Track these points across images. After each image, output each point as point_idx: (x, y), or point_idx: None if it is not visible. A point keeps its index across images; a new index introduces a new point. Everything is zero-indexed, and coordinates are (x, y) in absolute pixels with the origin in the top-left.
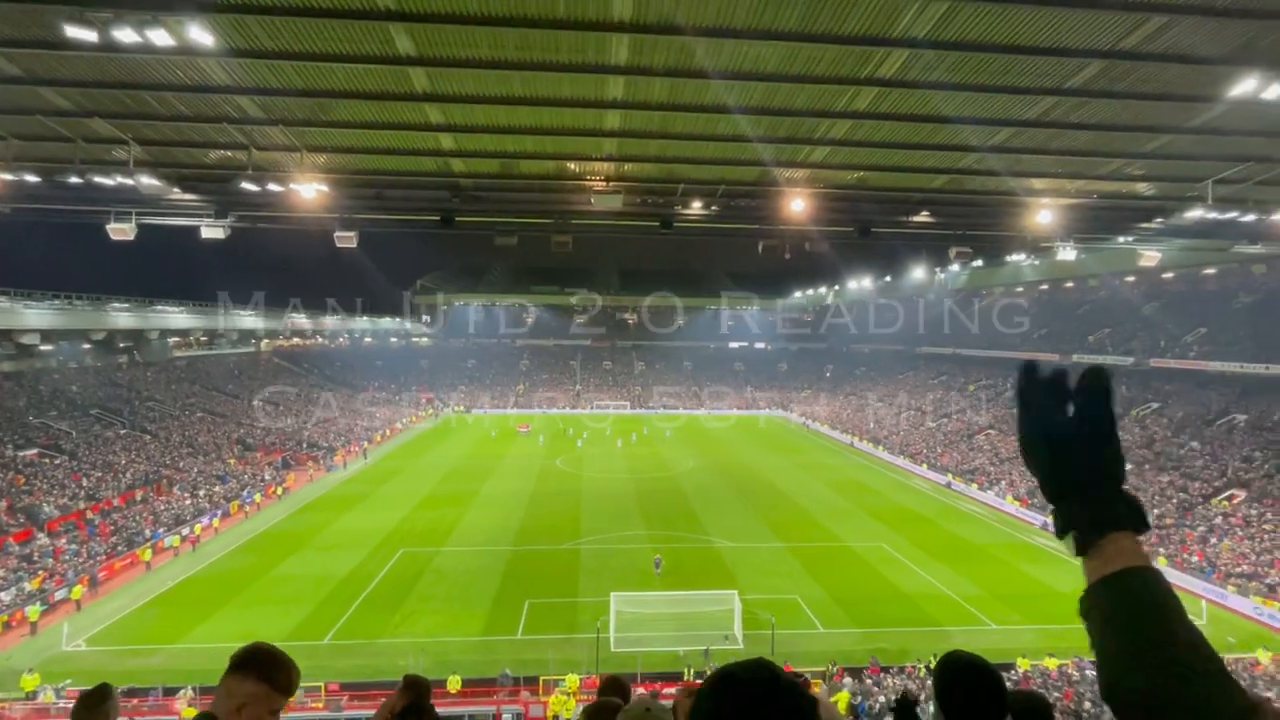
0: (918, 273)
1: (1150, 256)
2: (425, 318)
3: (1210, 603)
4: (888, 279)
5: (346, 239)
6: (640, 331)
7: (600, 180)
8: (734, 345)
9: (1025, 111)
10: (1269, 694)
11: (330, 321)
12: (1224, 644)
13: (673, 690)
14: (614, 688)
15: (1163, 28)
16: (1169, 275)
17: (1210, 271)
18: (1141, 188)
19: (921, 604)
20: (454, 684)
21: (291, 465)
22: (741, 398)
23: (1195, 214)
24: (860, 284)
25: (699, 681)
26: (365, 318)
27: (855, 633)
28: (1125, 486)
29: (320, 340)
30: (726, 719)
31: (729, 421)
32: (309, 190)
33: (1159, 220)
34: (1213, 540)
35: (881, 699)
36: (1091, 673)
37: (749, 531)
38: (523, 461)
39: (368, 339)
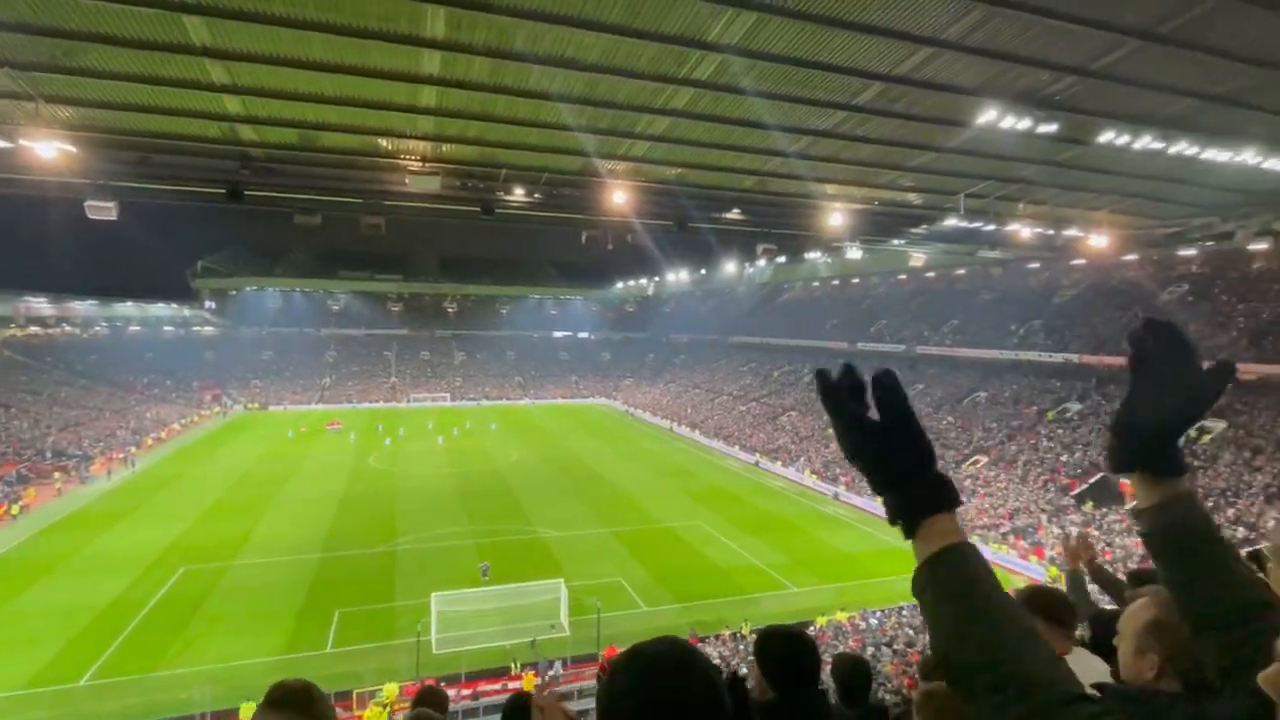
0: (730, 267)
1: (918, 258)
2: (210, 304)
3: None
4: (703, 272)
5: (102, 209)
6: (461, 320)
7: (416, 160)
8: (558, 335)
9: (821, 122)
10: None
11: (82, 307)
12: None
13: (497, 686)
14: (431, 698)
15: (928, 59)
16: (931, 275)
17: (961, 272)
18: (912, 197)
19: (734, 576)
20: (246, 712)
21: (31, 479)
22: (566, 387)
23: (951, 222)
24: (678, 276)
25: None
26: (130, 303)
27: (676, 608)
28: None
29: (69, 330)
30: (639, 692)
31: (554, 411)
32: (47, 149)
33: (924, 226)
34: (963, 500)
35: None
36: (874, 620)
37: (575, 519)
38: (330, 461)
39: (134, 327)
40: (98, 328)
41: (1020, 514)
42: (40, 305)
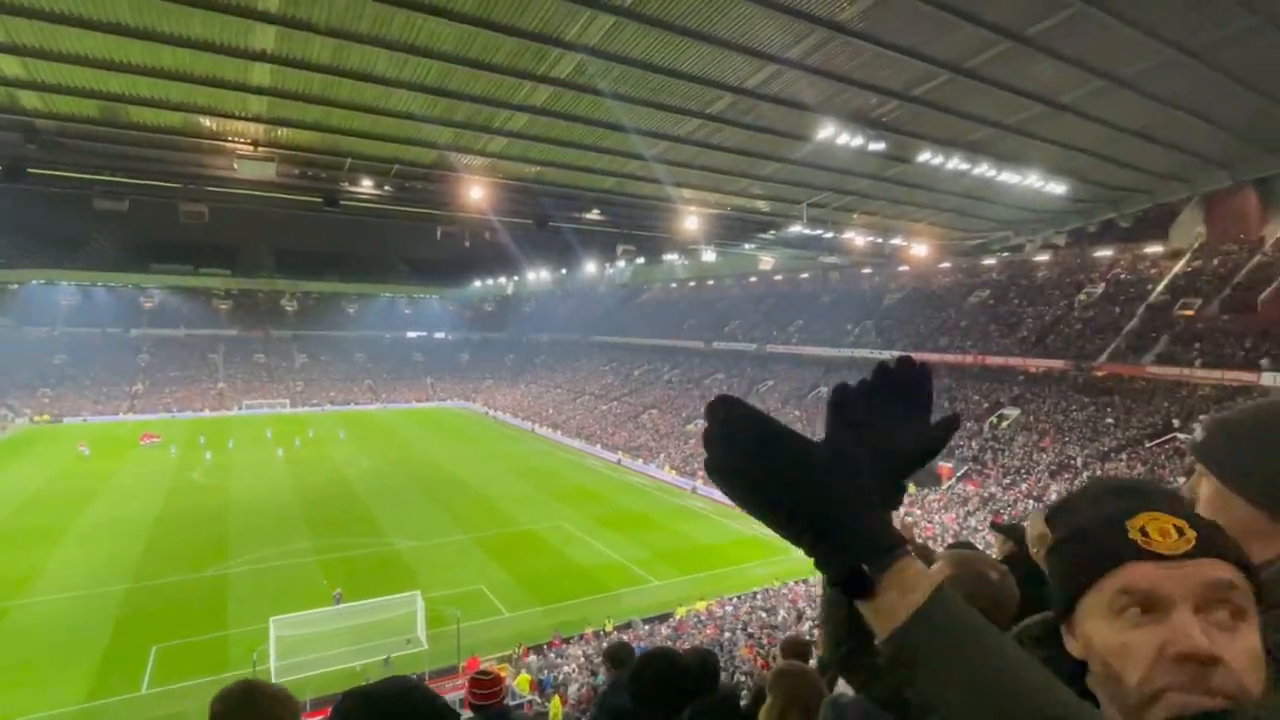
0: (590, 266)
1: (766, 261)
2: None
3: None
4: (564, 271)
5: None
6: (302, 320)
7: (246, 143)
8: (412, 335)
9: (677, 128)
10: None
11: None
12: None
13: None
14: None
15: (774, 75)
16: (779, 278)
17: (805, 276)
18: (760, 204)
19: (597, 574)
20: None
21: None
22: (422, 390)
23: (795, 229)
24: (539, 275)
25: None
26: None
27: (539, 610)
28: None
29: None
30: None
31: (408, 415)
32: None
33: (772, 232)
34: None
35: (566, 668)
36: (730, 607)
37: (431, 527)
38: (143, 479)
39: None
40: None
41: None
42: None
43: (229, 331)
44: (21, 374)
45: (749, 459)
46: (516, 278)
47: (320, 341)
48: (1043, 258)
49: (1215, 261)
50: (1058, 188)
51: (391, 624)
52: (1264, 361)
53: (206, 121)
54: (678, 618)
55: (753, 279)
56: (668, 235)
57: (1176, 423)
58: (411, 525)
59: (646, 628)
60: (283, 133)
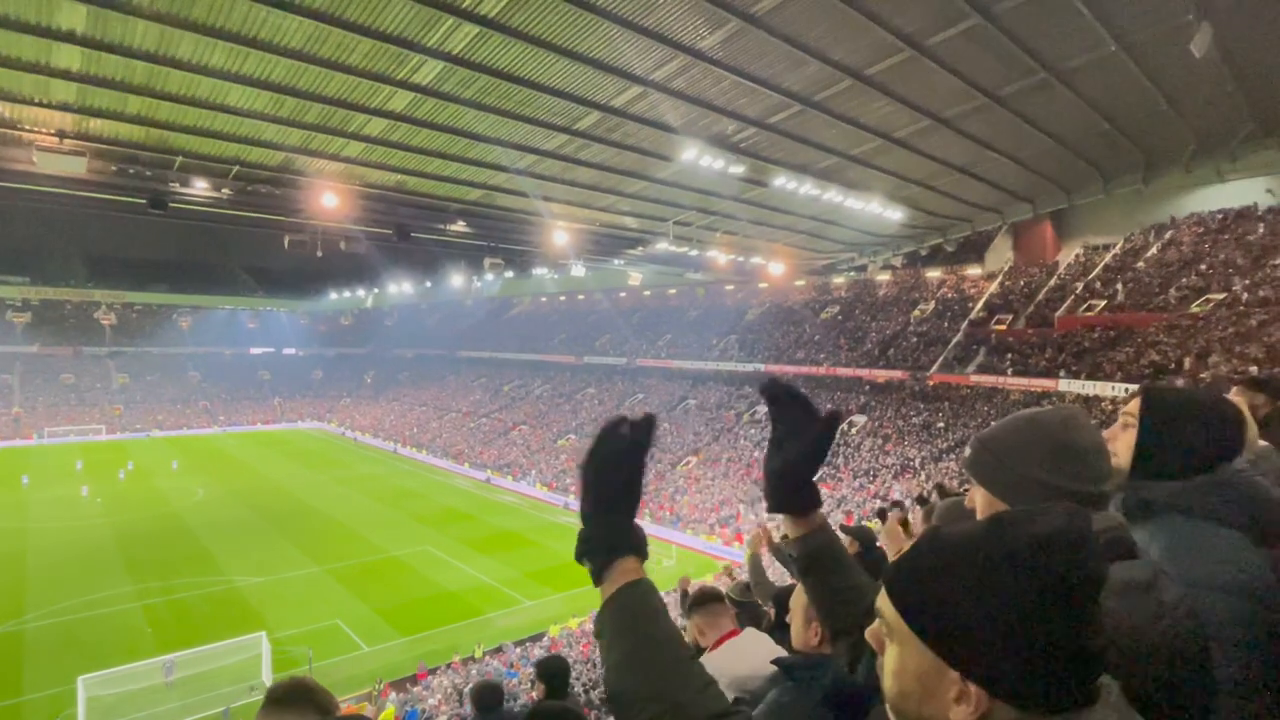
0: (457, 280)
1: (635, 277)
2: None
3: (678, 545)
4: (429, 284)
5: None
6: (122, 335)
7: (48, 134)
8: (257, 351)
9: (544, 142)
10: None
11: None
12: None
13: None
14: None
15: (640, 95)
16: (648, 293)
17: (673, 291)
18: (629, 221)
19: (466, 598)
20: None
21: None
22: (268, 411)
23: (662, 246)
24: (401, 288)
25: None
26: None
27: (402, 642)
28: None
29: None
30: None
31: (253, 439)
32: None
33: (640, 249)
34: (678, 497)
35: (432, 700)
36: None
37: (279, 561)
38: None
39: None
40: None
41: (724, 505)
42: None
43: (28, 348)
44: None
45: (586, 473)
46: (376, 290)
47: (145, 359)
48: (883, 277)
49: (1021, 283)
50: (895, 214)
51: (232, 671)
52: (1061, 371)
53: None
54: (550, 637)
55: (623, 294)
56: (537, 249)
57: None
58: (255, 560)
59: (519, 650)
60: (97, 124)
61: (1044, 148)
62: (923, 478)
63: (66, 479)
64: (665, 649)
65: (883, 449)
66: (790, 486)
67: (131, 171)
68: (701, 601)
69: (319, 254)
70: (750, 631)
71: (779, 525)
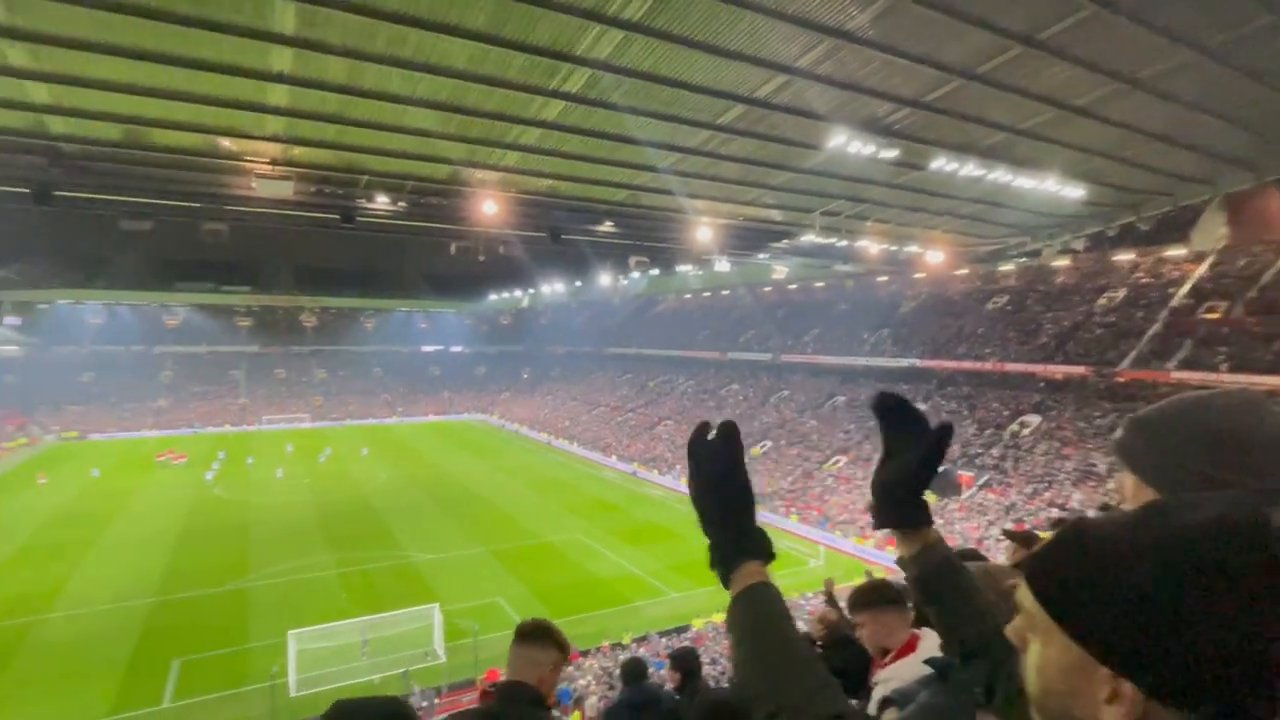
0: (604, 278)
1: (780, 271)
2: (12, 320)
3: (827, 547)
4: (578, 284)
5: None
6: (321, 335)
7: (264, 163)
8: (429, 349)
9: (688, 140)
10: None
11: None
12: (836, 575)
13: None
14: None
15: (784, 85)
16: (793, 287)
17: (820, 284)
18: (773, 214)
19: (615, 586)
20: None
21: None
22: (439, 403)
23: (808, 238)
24: (553, 288)
25: None
26: None
27: (557, 623)
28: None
29: None
30: None
31: (426, 429)
32: None
33: (785, 241)
34: (827, 497)
35: (582, 681)
36: None
37: (449, 540)
38: (166, 494)
39: None
40: None
41: None
42: None
43: (250, 348)
44: (50, 392)
45: (693, 491)
46: (531, 290)
47: (339, 356)
48: (1061, 263)
49: (1241, 263)
50: (1075, 192)
51: (409, 637)
52: None
53: (226, 142)
54: (695, 630)
55: (767, 288)
56: (681, 246)
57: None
58: (429, 538)
59: (664, 640)
60: (300, 151)
61: (1268, 104)
62: (1110, 486)
63: (279, 461)
64: (780, 650)
65: (1060, 453)
66: (899, 501)
67: (327, 191)
68: (868, 603)
69: (481, 258)
70: (929, 633)
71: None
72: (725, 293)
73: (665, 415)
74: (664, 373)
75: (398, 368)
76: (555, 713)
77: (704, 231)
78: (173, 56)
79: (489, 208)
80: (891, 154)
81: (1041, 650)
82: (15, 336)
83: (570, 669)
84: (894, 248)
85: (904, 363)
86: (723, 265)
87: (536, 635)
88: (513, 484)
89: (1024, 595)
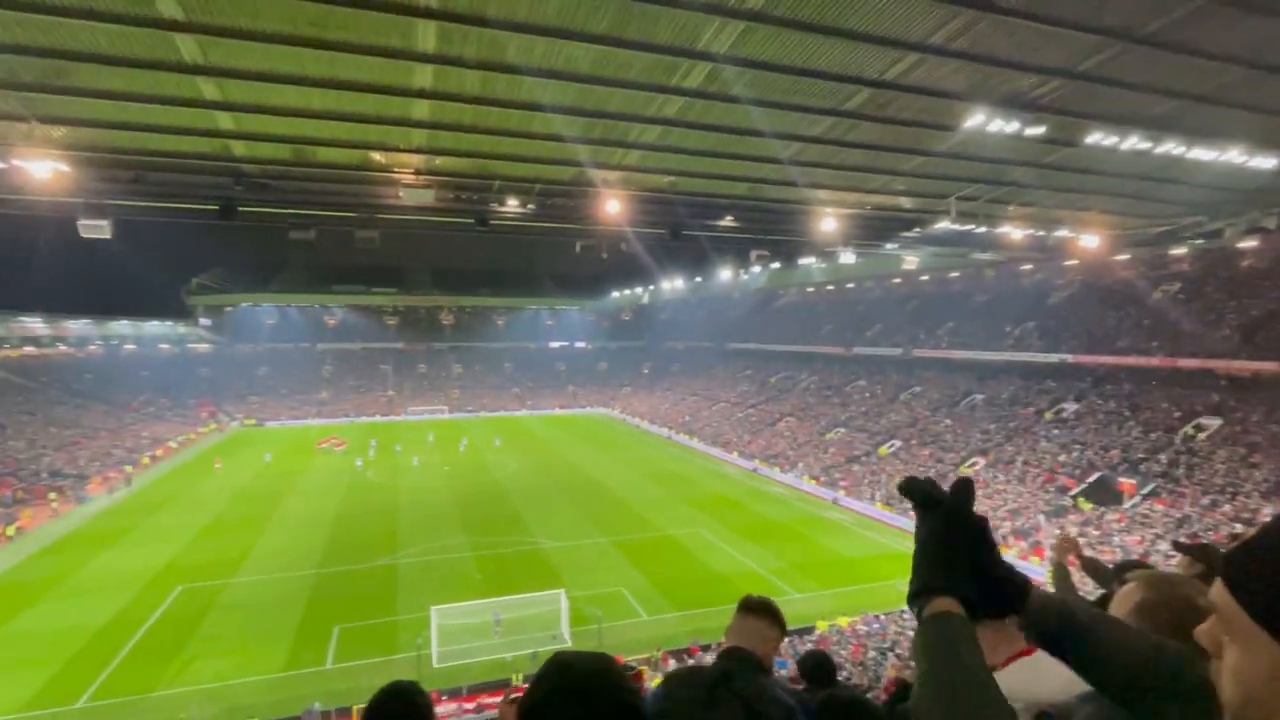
0: (724, 273)
1: (910, 261)
2: (204, 321)
3: None
4: (698, 280)
5: (95, 228)
6: (458, 333)
7: (409, 173)
8: (555, 345)
9: (810, 129)
10: None
11: (77, 326)
12: None
13: (499, 699)
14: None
15: (915, 64)
16: (925, 277)
17: (954, 274)
18: (904, 201)
19: (735, 582)
20: None
21: (26, 500)
22: (564, 397)
23: (943, 225)
24: (673, 284)
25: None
26: (125, 322)
27: (677, 616)
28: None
29: (63, 349)
30: (559, 698)
31: (552, 421)
32: (43, 169)
33: (916, 230)
34: None
35: None
36: (877, 626)
37: (574, 529)
38: (327, 476)
39: (129, 346)
40: (93, 346)
41: (1019, 515)
42: (35, 325)
43: (396, 345)
44: (235, 384)
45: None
46: (652, 287)
47: (474, 352)
48: (1248, 244)
49: None
50: (1266, 162)
51: (538, 619)
52: None
53: (377, 156)
54: (818, 633)
55: (896, 280)
56: (803, 238)
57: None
58: (556, 526)
59: (786, 641)
60: (440, 161)
61: None
62: None
63: (423, 449)
64: (958, 676)
65: (1247, 460)
66: (995, 594)
67: (463, 197)
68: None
69: (604, 256)
70: (1041, 658)
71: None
72: (850, 285)
73: (787, 412)
74: (785, 368)
75: (526, 363)
76: None
77: (828, 222)
78: (333, 81)
79: (611, 206)
80: (1038, 131)
81: (1242, 656)
82: (207, 335)
83: (690, 662)
84: (1040, 233)
85: (1053, 358)
86: (848, 257)
87: (766, 610)
88: (634, 476)
89: (1222, 598)
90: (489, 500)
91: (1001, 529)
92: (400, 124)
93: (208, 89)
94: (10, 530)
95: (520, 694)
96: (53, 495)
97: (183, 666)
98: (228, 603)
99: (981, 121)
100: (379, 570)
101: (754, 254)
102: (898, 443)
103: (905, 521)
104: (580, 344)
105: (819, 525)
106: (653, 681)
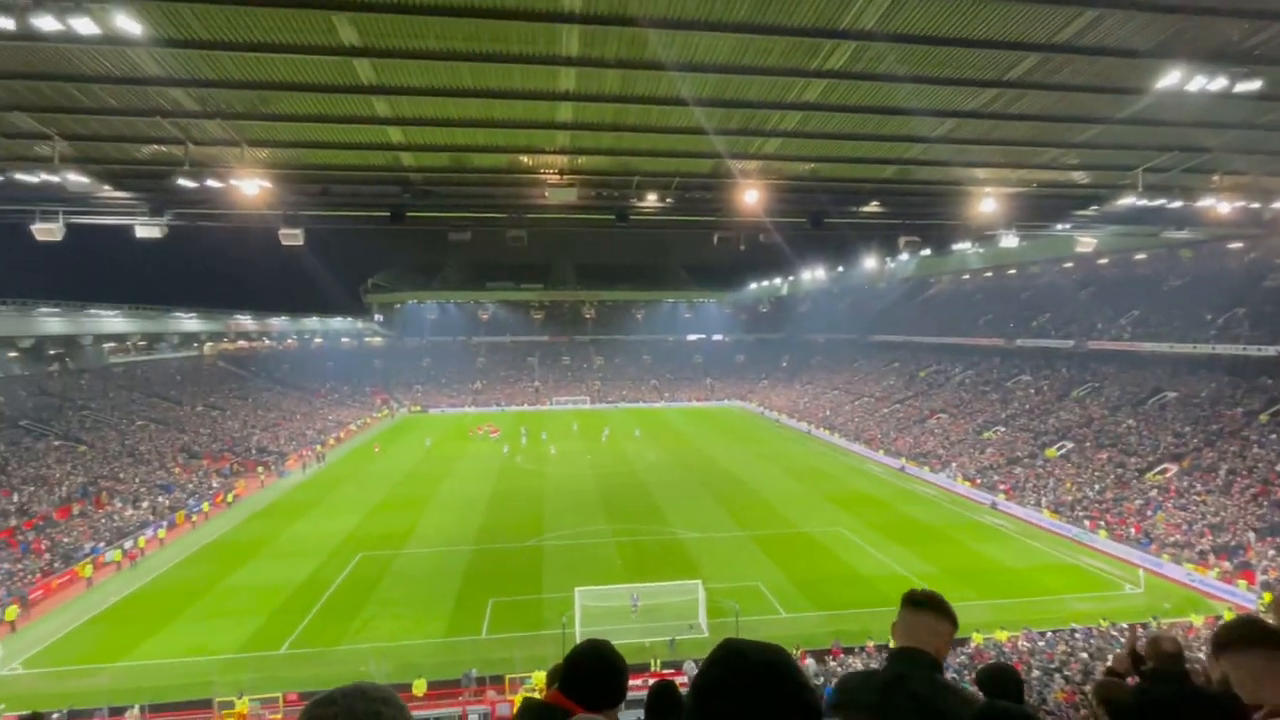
0: (869, 262)
1: (1086, 242)
2: (378, 317)
3: (1147, 571)
4: (840, 269)
5: (292, 237)
6: (598, 326)
7: (554, 173)
8: (692, 338)
9: (968, 103)
10: (1201, 655)
11: (277, 323)
12: (1160, 609)
13: (638, 683)
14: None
15: (1095, 21)
16: (1103, 260)
17: (1141, 256)
18: (1077, 176)
19: (879, 585)
20: (419, 688)
21: (240, 472)
22: (701, 389)
23: (1127, 201)
24: (814, 274)
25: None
26: (315, 318)
27: (816, 615)
28: None
29: (267, 342)
30: (734, 690)
31: (689, 414)
32: (251, 186)
33: (1093, 208)
34: (1149, 512)
35: None
36: (1042, 643)
37: (711, 521)
38: (481, 461)
39: (317, 340)
40: (289, 340)
41: (1222, 530)
42: (246, 322)
43: (542, 338)
44: (403, 374)
45: None
46: (791, 278)
47: (614, 345)
48: None
49: None
50: None
51: (676, 608)
52: None
53: (525, 159)
54: (974, 645)
55: (1068, 264)
56: (959, 222)
57: None
58: (692, 517)
59: None
60: (582, 160)
61: None
62: None
63: (568, 437)
64: None
65: None
66: None
67: (604, 194)
68: (1227, 644)
69: (742, 247)
70: None
71: None
72: (1012, 271)
73: (938, 408)
74: (937, 361)
75: (664, 355)
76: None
77: (987, 203)
78: (485, 90)
79: (749, 197)
80: (1251, 87)
81: None
82: (380, 330)
83: (834, 664)
84: (1254, 205)
85: (1269, 351)
86: (1010, 240)
87: (937, 605)
88: (772, 471)
89: None
90: (629, 489)
91: (1198, 545)
92: (546, 127)
93: (380, 106)
94: (229, 497)
95: (542, 694)
96: (260, 469)
97: (362, 625)
98: (399, 571)
99: (1177, 81)
100: (527, 550)
101: (903, 241)
102: (1068, 444)
103: (1076, 531)
104: (717, 336)
105: (974, 530)
106: None
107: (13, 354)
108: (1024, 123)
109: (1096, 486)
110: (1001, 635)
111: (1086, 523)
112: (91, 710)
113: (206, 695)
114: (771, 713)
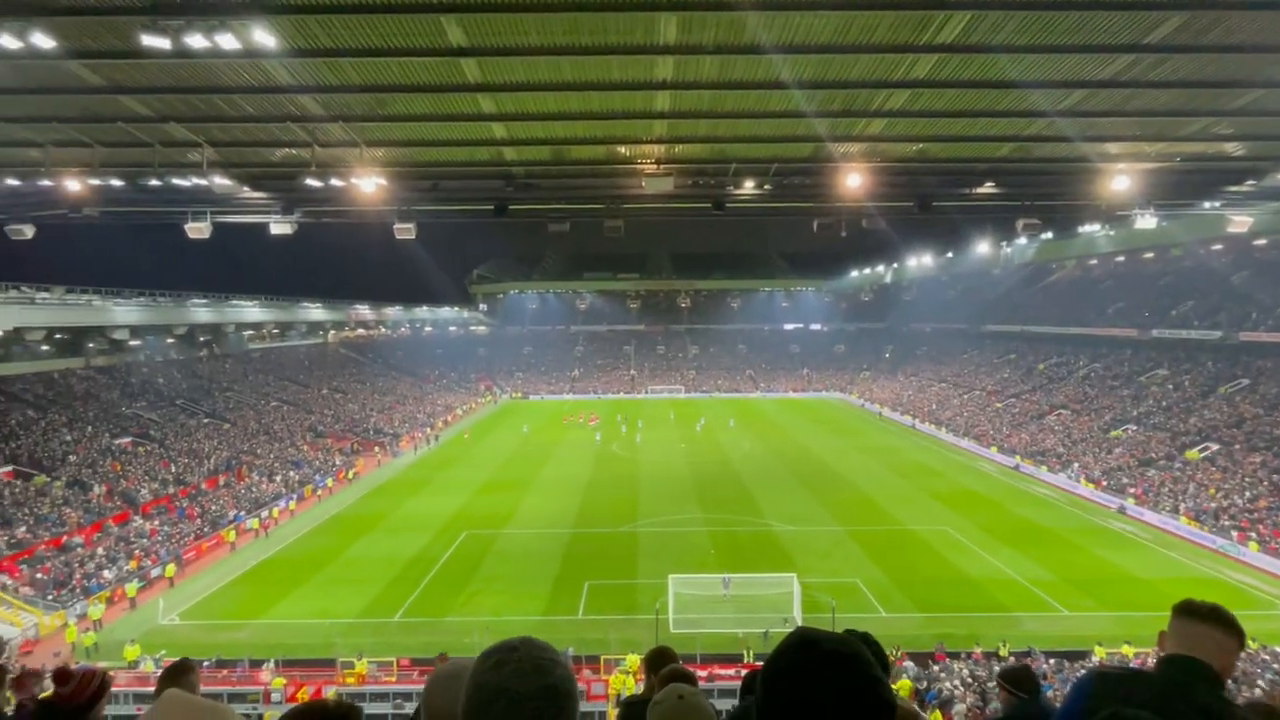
0: (982, 247)
1: (1240, 222)
2: (483, 307)
3: None
4: (949, 255)
5: (405, 231)
6: (694, 315)
7: (651, 163)
8: (789, 327)
9: (1099, 71)
10: None
11: (392, 312)
12: None
13: (730, 671)
14: (663, 658)
15: None
16: (1261, 242)
17: None
18: (1230, 148)
19: (988, 589)
20: None
21: (360, 451)
22: (798, 380)
23: None
24: (920, 261)
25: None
26: (425, 308)
27: (918, 617)
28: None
29: (383, 331)
30: (805, 678)
31: (785, 404)
32: (369, 184)
33: (1250, 182)
34: None
35: (949, 685)
36: None
37: (806, 515)
38: (579, 448)
39: (428, 329)
40: (403, 329)
41: None
42: (364, 311)
43: (638, 327)
44: (505, 361)
45: None
46: (895, 265)
47: (709, 334)
48: None
49: None
50: None
51: (769, 600)
52: None
53: (622, 149)
54: (1096, 659)
55: (1217, 246)
56: (1086, 201)
57: None
58: (787, 510)
59: (1052, 662)
60: (679, 149)
61: None
62: None
63: (660, 424)
64: None
65: None
66: None
67: (701, 182)
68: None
69: (843, 234)
70: None
71: None
72: (1148, 255)
73: (1059, 403)
74: (1058, 353)
75: (760, 345)
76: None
77: (1120, 181)
78: (584, 83)
79: (852, 181)
80: None
81: None
82: (484, 319)
83: (936, 668)
84: None
85: None
86: (1146, 221)
87: (1222, 618)
88: (873, 465)
89: None
90: (723, 479)
91: None
92: (643, 116)
93: (485, 103)
94: (351, 474)
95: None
96: (377, 449)
97: (467, 599)
98: (501, 550)
99: None
100: (622, 536)
101: (1021, 223)
102: (1214, 446)
103: (1222, 543)
104: (815, 326)
105: (1099, 535)
106: (896, 685)
107: (170, 340)
108: (1166, 91)
109: (1247, 494)
110: (1128, 650)
111: (1234, 533)
112: (235, 660)
113: (329, 655)
114: (841, 702)
